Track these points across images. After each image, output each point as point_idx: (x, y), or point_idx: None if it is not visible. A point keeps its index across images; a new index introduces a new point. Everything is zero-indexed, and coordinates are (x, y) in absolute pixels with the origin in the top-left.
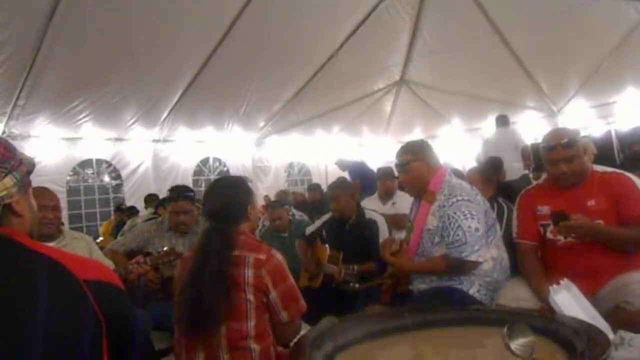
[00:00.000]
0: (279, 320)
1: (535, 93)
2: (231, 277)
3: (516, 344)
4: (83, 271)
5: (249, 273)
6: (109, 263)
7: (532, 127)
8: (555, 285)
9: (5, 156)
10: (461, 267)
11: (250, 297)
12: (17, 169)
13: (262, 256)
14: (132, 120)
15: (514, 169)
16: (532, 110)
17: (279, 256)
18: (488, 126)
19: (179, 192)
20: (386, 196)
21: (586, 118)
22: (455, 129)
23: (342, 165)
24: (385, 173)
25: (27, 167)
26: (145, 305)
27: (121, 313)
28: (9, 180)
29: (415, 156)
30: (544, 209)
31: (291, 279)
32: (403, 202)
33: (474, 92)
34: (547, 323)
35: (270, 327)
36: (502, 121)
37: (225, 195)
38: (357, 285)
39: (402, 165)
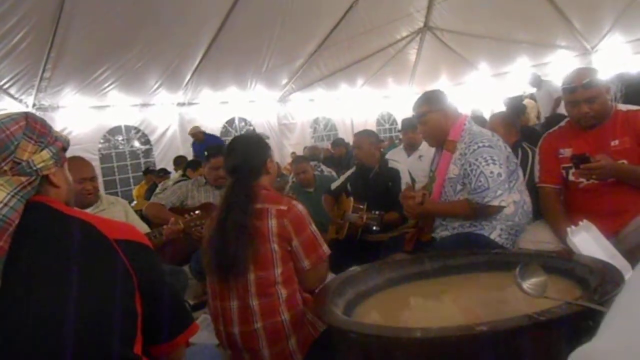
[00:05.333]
0: (301, 268)
1: (567, 31)
2: (256, 228)
3: (528, 284)
4: (113, 231)
5: (273, 223)
6: (143, 226)
7: (565, 67)
8: (573, 227)
9: (42, 132)
10: (484, 211)
11: (275, 246)
12: (53, 144)
13: (284, 207)
14: (157, 85)
15: None
16: (564, 49)
17: (300, 206)
18: (516, 69)
19: (218, 149)
20: (410, 148)
21: (622, 54)
22: (482, 74)
23: None
24: (409, 124)
25: (62, 143)
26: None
27: (150, 268)
28: (45, 154)
29: (431, 107)
30: (566, 152)
31: (312, 228)
32: (430, 154)
33: (501, 35)
34: (563, 263)
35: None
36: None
37: (243, 152)
38: (378, 229)
39: (420, 117)
